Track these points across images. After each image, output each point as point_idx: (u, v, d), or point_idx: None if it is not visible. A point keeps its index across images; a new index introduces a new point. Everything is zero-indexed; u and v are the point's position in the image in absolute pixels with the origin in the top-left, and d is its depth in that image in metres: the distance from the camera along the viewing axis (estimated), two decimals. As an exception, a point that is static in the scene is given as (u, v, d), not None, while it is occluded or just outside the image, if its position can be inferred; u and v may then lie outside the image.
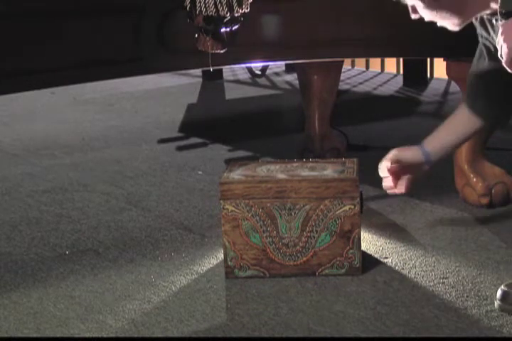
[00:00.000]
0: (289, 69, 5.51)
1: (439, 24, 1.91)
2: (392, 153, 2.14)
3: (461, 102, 2.21)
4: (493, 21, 1.92)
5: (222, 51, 2.31)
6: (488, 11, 1.90)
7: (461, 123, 2.18)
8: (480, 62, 2.12)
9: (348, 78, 5.35)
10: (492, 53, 2.03)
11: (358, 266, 2.15)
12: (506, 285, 1.96)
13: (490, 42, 2.02)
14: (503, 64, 1.75)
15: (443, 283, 2.09)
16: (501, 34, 1.73)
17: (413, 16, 1.91)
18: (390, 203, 2.70)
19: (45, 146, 3.74)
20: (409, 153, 2.14)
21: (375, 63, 5.58)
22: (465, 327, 1.85)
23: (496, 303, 1.95)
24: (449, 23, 1.90)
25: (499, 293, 1.95)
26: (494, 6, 1.87)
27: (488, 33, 2.02)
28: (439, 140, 2.16)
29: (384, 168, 2.13)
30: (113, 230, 2.57)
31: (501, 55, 1.74)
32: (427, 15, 1.89)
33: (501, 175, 2.65)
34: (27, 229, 2.60)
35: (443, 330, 1.85)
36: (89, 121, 4.31)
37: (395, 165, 2.10)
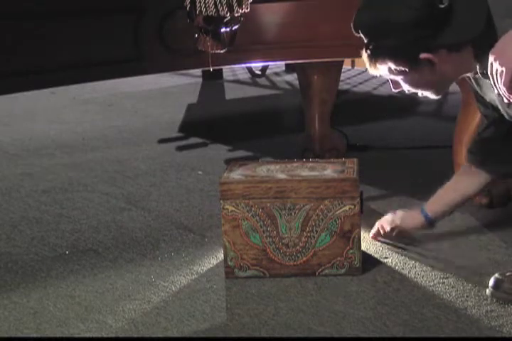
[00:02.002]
0: (289, 69, 5.51)
1: (419, 94, 1.97)
2: (392, 219, 2.34)
3: (463, 165, 2.30)
4: (478, 79, 1.98)
5: (222, 51, 2.31)
6: (467, 74, 1.96)
7: (468, 183, 2.27)
8: (486, 126, 2.20)
9: (348, 78, 5.35)
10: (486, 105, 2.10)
11: (358, 266, 2.15)
12: (500, 274, 1.98)
13: (480, 95, 2.08)
14: (501, 88, 1.76)
15: (443, 283, 2.09)
16: (493, 60, 1.75)
17: (394, 90, 1.97)
18: (390, 203, 2.70)
19: (45, 146, 3.74)
20: (411, 222, 2.31)
21: (375, 63, 5.57)
22: (465, 327, 1.85)
23: (488, 290, 1.99)
24: (430, 93, 1.97)
25: (492, 280, 1.99)
26: (469, 73, 1.93)
27: (475, 89, 2.07)
28: (443, 204, 2.29)
29: (379, 231, 2.36)
30: (113, 230, 2.57)
31: (497, 83, 1.76)
32: (408, 88, 1.94)
33: (501, 176, 2.66)
34: (27, 229, 2.60)
35: (443, 330, 1.85)
36: (89, 121, 4.31)
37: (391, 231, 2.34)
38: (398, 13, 1.80)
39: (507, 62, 1.70)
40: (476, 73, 1.92)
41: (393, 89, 1.97)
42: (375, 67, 1.90)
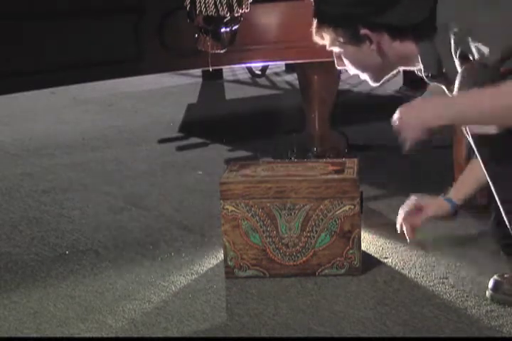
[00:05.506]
0: (289, 69, 5.51)
1: (360, 76, 1.97)
2: (415, 203, 2.13)
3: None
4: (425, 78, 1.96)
5: (222, 51, 2.31)
6: (411, 68, 1.95)
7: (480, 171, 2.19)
8: None
9: (348, 78, 5.34)
10: None
11: (358, 266, 2.15)
12: (499, 276, 1.98)
13: None
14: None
15: (443, 283, 2.09)
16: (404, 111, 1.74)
17: (338, 66, 1.97)
18: (390, 203, 2.70)
19: (45, 146, 3.73)
20: (437, 208, 2.13)
21: (375, 63, 5.56)
22: (465, 327, 1.85)
23: (488, 293, 1.98)
24: (368, 76, 1.96)
25: (491, 282, 1.98)
26: (415, 66, 1.92)
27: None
28: (464, 191, 2.15)
29: (404, 216, 2.11)
30: (113, 230, 2.57)
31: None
32: (349, 65, 1.94)
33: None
34: (27, 229, 2.60)
35: (443, 330, 1.85)
36: (89, 121, 4.31)
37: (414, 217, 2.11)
38: None
39: (417, 117, 1.70)
40: (421, 72, 1.93)
41: (337, 66, 1.98)
42: (321, 35, 1.93)
